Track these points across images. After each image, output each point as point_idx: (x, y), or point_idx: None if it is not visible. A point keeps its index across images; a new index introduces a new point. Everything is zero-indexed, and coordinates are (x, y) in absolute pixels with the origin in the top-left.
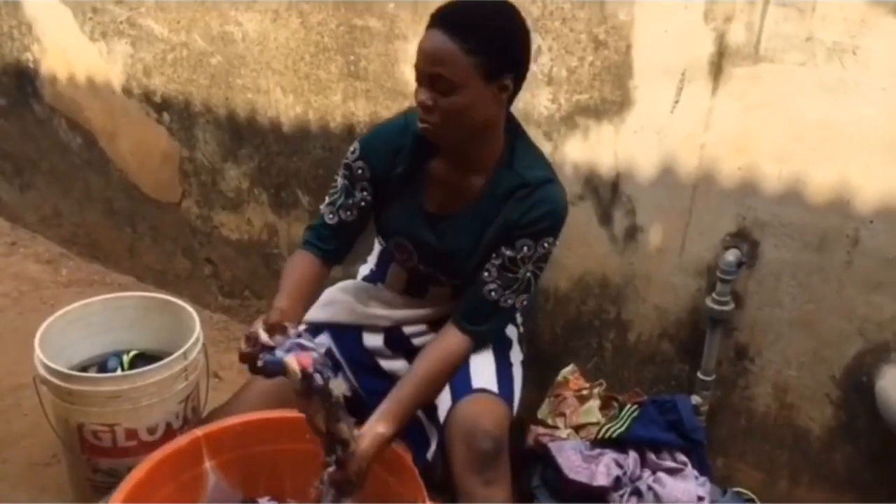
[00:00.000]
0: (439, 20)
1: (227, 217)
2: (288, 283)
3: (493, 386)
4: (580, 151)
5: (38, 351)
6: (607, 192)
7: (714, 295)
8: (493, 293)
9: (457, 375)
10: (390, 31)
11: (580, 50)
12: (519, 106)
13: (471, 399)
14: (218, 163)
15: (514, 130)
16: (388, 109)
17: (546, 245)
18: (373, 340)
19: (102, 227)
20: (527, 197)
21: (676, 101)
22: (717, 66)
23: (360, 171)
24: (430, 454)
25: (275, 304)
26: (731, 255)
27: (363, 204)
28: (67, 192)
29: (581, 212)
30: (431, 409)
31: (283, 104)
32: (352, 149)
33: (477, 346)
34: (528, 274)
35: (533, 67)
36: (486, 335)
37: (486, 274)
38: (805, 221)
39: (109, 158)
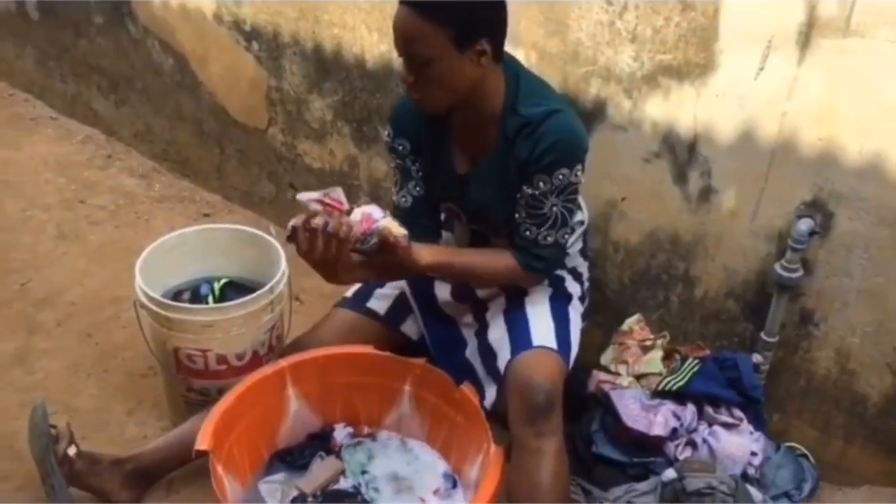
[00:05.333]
0: None
1: (311, 146)
2: None
3: (551, 342)
4: (660, 111)
5: (138, 278)
6: (684, 152)
7: (783, 262)
8: (528, 232)
9: (518, 331)
10: None
11: (667, 10)
12: (601, 62)
13: (528, 354)
14: (303, 94)
15: (515, 72)
16: None
17: (562, 176)
18: (441, 290)
19: (192, 146)
20: (531, 134)
21: (761, 68)
22: (806, 36)
23: (401, 148)
24: (487, 403)
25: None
26: (804, 225)
27: (422, 174)
28: (159, 111)
29: (656, 169)
30: (490, 360)
31: (367, 42)
32: (386, 133)
33: (531, 280)
34: (556, 208)
35: (617, 24)
36: (540, 272)
37: (517, 216)
38: (883, 197)
39: (200, 81)
